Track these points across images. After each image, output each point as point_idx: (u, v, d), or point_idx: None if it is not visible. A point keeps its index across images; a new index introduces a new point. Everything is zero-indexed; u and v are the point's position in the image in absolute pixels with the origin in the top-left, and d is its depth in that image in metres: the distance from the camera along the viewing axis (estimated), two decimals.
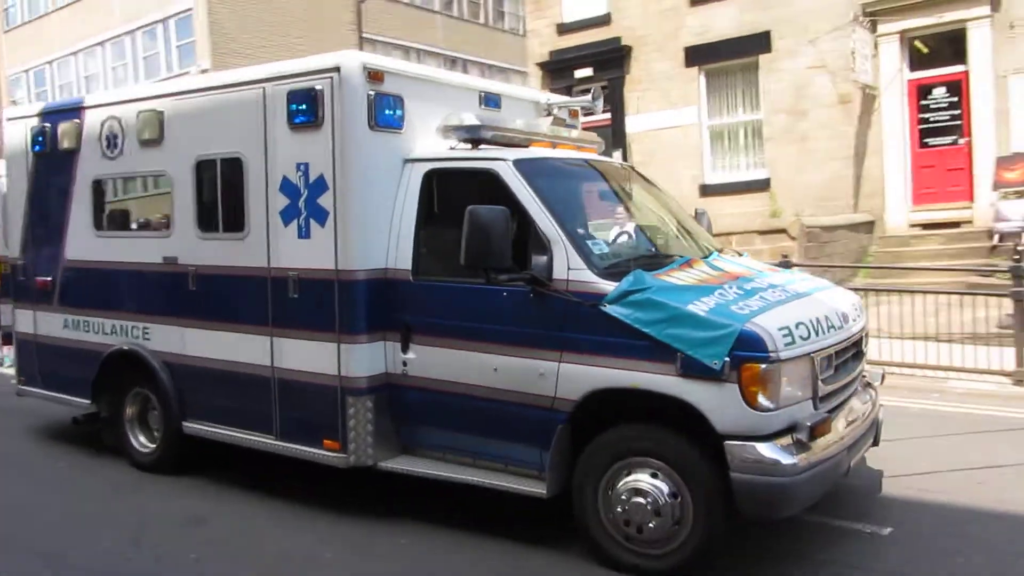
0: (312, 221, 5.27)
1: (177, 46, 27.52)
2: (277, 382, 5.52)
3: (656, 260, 4.96)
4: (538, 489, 4.69)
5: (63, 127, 6.75)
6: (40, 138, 6.96)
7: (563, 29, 18.87)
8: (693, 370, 4.19)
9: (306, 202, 5.28)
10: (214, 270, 5.83)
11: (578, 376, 4.53)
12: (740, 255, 5.80)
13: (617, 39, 17.73)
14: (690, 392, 4.22)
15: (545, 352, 4.64)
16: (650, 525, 4.35)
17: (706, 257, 5.27)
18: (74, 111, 6.70)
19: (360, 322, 5.15)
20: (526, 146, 5.46)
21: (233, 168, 5.68)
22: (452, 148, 5.35)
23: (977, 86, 13.97)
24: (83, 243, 6.72)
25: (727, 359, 4.12)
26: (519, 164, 4.92)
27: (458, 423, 5.06)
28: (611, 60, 17.84)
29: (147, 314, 6.28)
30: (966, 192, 14.34)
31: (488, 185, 5.00)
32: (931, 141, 14.66)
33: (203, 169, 5.85)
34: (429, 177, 5.18)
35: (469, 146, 5.28)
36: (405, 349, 5.15)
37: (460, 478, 4.96)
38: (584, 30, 18.40)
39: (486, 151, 5.16)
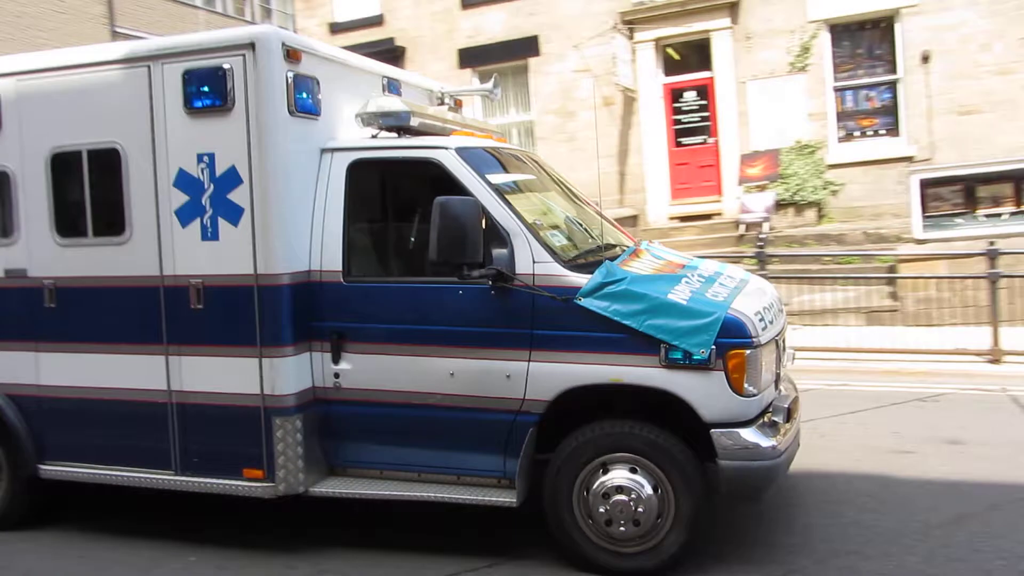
0: (221, 220, 4.59)
1: None
2: (176, 408, 4.76)
3: (607, 250, 4.83)
4: (506, 499, 4.40)
5: None
6: None
7: (335, 28, 18.74)
8: (678, 360, 4.11)
9: (212, 198, 4.60)
10: (81, 282, 4.92)
11: (551, 374, 4.30)
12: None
13: (391, 39, 17.90)
14: (676, 383, 4.14)
15: (511, 352, 4.36)
16: (634, 522, 4.21)
17: (639, 246, 5.23)
18: None
19: (286, 332, 4.57)
20: (448, 135, 5.13)
21: (106, 161, 4.82)
22: (374, 136, 4.91)
23: (721, 90, 15.49)
24: None
25: (713, 347, 4.08)
26: (462, 152, 4.60)
27: (401, 436, 4.63)
28: (385, 61, 17.52)
29: None
30: (716, 187, 15.85)
31: (427, 175, 4.65)
32: (685, 140, 16.06)
33: (62, 163, 4.91)
34: (355, 167, 4.70)
35: (394, 135, 4.86)
36: (337, 359, 4.63)
37: (416, 495, 4.53)
38: (357, 30, 18.31)
39: (423, 139, 4.77)
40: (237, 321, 4.58)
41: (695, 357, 4.08)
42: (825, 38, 14.90)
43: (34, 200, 4.97)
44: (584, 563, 4.34)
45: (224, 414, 4.65)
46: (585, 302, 4.23)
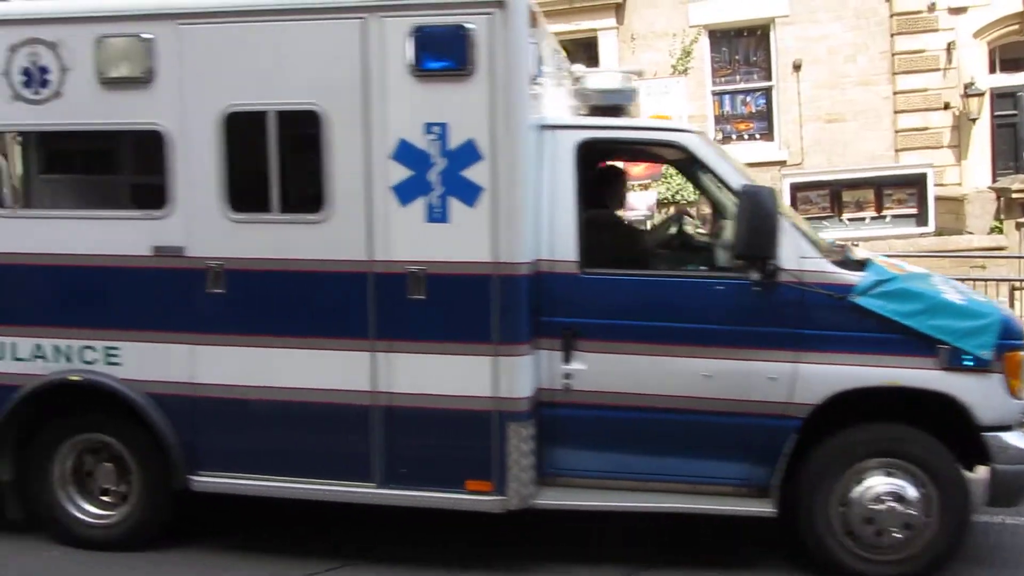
0: (452, 200, 4.05)
1: None
2: (382, 412, 4.19)
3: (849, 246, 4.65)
4: (762, 507, 4.16)
5: None
6: None
7: None
8: (958, 362, 4.00)
9: (443, 174, 4.05)
10: (260, 264, 4.24)
11: (822, 376, 4.08)
12: None
13: None
14: (954, 385, 4.02)
15: (776, 352, 4.10)
16: (902, 528, 4.08)
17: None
18: None
19: (524, 328, 4.11)
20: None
21: (301, 126, 4.16)
22: (580, 115, 4.50)
23: None
24: None
25: (993, 348, 3.99)
26: (705, 137, 4.29)
27: (631, 442, 4.28)
28: None
29: (113, 328, 4.38)
30: None
31: (663, 161, 4.29)
32: None
33: (239, 125, 4.19)
34: (584, 148, 4.27)
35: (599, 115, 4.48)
36: (568, 359, 4.21)
37: (668, 507, 4.21)
38: None
39: (662, 122, 4.43)
40: (468, 314, 4.08)
41: (976, 358, 3.97)
42: (705, 43, 15.38)
43: (198, 167, 4.22)
44: (839, 571, 4.17)
45: (445, 419, 4.14)
46: (863, 300, 4.03)
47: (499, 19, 3.93)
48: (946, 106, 15.02)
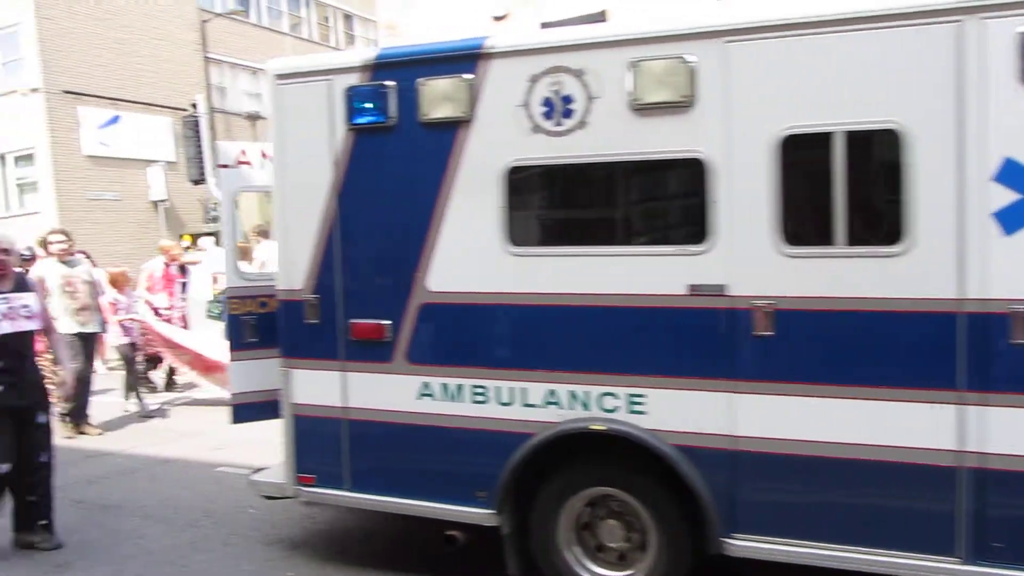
0: None
1: (3, 63, 24.81)
2: (972, 475, 3.58)
3: None
4: None
5: (433, 87, 4.30)
6: (369, 105, 4.43)
7: None
8: None
9: None
10: (818, 304, 3.76)
11: None
12: None
13: None
14: None
15: None
16: None
17: None
18: (462, 60, 4.27)
19: None
20: None
21: (876, 146, 3.69)
22: None
23: None
24: (473, 266, 4.32)
25: None
26: None
27: None
28: None
29: (638, 374, 4.05)
30: None
31: None
32: None
33: (797, 149, 3.76)
34: None
35: None
36: None
37: None
38: None
39: None
40: None
41: None
42: None
43: (745, 197, 3.82)
44: None
45: None
46: None
47: None
48: None
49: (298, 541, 5.52)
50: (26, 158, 24.85)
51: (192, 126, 18.46)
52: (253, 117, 28.75)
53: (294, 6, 34.26)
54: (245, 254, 11.15)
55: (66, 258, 8.23)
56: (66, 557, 5.36)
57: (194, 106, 18.16)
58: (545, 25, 17.49)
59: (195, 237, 18.71)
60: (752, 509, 3.91)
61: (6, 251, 5.17)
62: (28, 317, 5.20)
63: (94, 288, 8.45)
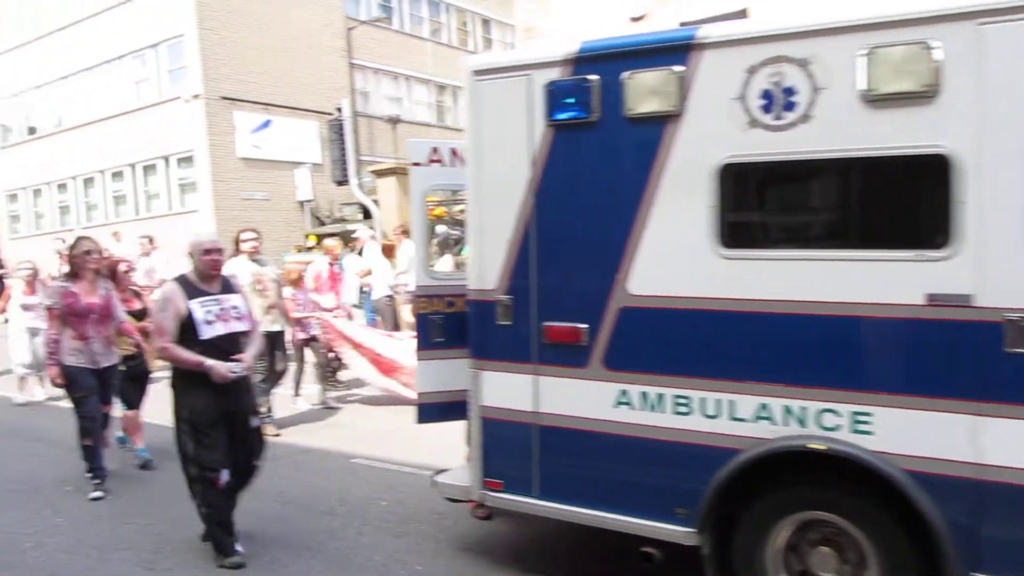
0: None
1: (168, 71, 26.56)
2: None
3: None
4: None
5: (639, 80, 4.09)
6: (570, 100, 4.27)
7: None
8: None
9: None
10: None
11: None
12: None
13: None
14: None
15: None
16: None
17: None
18: (672, 52, 4.04)
19: None
20: None
21: None
22: None
23: None
24: (680, 269, 4.09)
25: None
26: None
27: None
28: None
29: (865, 391, 3.70)
30: None
31: None
32: None
33: None
34: None
35: None
36: None
37: None
38: None
39: None
40: None
41: None
42: None
43: (1000, 196, 3.42)
44: None
45: None
46: None
47: None
48: None
49: (427, 535, 5.60)
50: (187, 160, 26.30)
51: (337, 129, 19.03)
52: (394, 120, 29.47)
53: (435, 12, 34.92)
54: (389, 253, 11.30)
55: (256, 256, 8.34)
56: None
57: (339, 110, 18.73)
58: (684, 24, 17.08)
59: (320, 238, 19.20)
60: (1001, 548, 3.50)
61: (219, 250, 5.13)
62: (238, 318, 5.14)
63: (280, 286, 8.58)
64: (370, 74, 31.53)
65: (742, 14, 14.84)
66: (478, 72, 4.54)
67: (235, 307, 5.14)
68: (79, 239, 6.84)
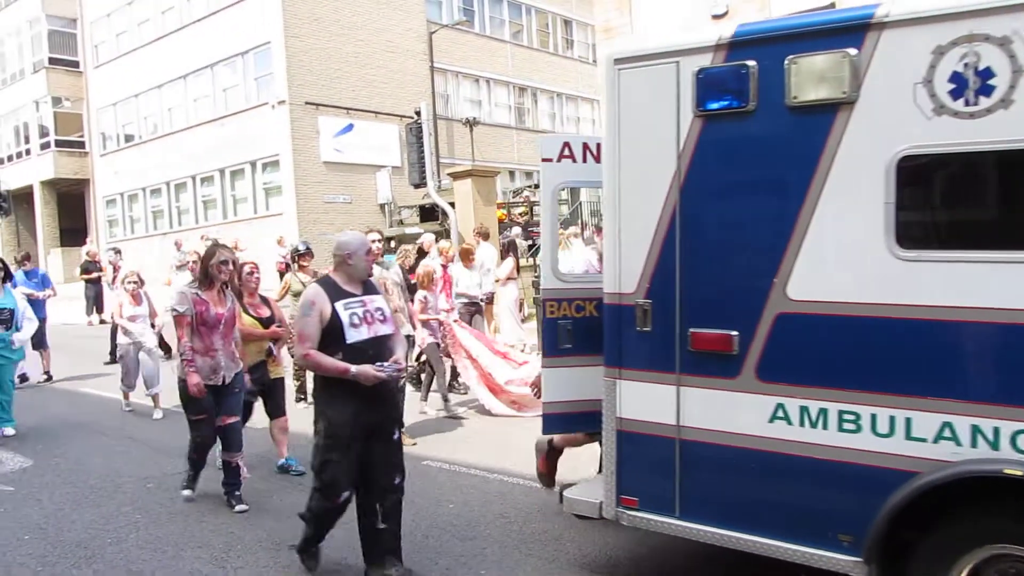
0: None
1: (255, 78, 27.18)
2: None
3: None
4: None
5: (806, 65, 3.72)
6: (723, 88, 3.92)
7: None
8: None
9: None
10: None
11: None
12: None
13: None
14: None
15: None
16: None
17: None
18: (845, 32, 3.66)
19: None
20: None
21: None
22: None
23: None
24: (848, 272, 3.71)
25: None
26: None
27: None
28: None
29: None
30: None
31: None
32: None
33: None
34: None
35: None
36: None
37: None
38: None
39: None
40: None
41: None
42: None
43: None
44: None
45: None
46: None
47: None
48: None
49: (492, 540, 5.46)
50: (272, 164, 26.71)
51: (416, 133, 18.86)
52: (470, 123, 29.40)
53: (515, 14, 34.87)
54: (467, 255, 11.04)
55: (379, 259, 7.98)
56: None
57: (417, 114, 18.57)
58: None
59: (389, 240, 19.08)
60: None
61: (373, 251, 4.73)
62: (382, 320, 4.73)
63: (403, 290, 8.29)
64: (451, 77, 31.61)
65: (831, 7, 14.20)
66: (619, 60, 4.24)
67: (379, 308, 4.73)
68: (216, 247, 6.44)
